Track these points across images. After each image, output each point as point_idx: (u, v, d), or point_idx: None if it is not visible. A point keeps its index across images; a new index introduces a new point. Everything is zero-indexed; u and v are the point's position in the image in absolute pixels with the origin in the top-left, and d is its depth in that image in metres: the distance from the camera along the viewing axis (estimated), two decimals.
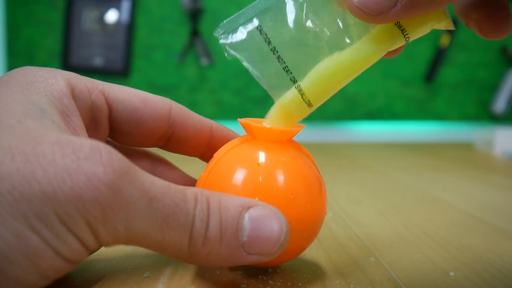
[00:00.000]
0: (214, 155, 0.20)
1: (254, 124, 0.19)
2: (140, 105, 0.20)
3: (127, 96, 0.20)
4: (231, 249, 0.15)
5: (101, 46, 1.00)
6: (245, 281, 0.19)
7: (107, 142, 0.21)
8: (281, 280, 0.19)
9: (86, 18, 1.00)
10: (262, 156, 0.18)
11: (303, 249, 0.20)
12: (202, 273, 0.20)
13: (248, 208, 0.16)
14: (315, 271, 0.21)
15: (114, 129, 0.20)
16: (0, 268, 0.12)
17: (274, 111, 0.19)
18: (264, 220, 0.16)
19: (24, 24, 1.00)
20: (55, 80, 0.17)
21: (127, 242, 0.15)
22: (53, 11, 1.00)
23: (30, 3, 1.00)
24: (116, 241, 0.14)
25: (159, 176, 0.22)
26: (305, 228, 0.18)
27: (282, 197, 0.17)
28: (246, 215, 0.16)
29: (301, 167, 0.19)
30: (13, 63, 0.99)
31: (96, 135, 0.20)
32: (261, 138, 0.19)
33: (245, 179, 0.18)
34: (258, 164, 0.18)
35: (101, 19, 1.01)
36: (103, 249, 0.19)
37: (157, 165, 0.23)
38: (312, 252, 0.23)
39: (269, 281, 0.19)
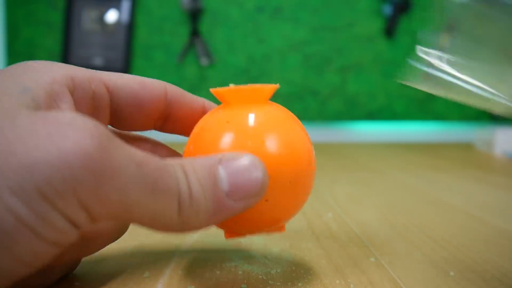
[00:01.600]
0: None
1: (223, 88, 0.19)
2: (138, 89, 0.20)
3: (125, 81, 0.20)
4: (217, 202, 0.15)
5: (101, 46, 1.01)
6: (245, 281, 0.19)
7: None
8: (281, 280, 0.19)
9: (86, 18, 1.00)
10: (231, 115, 0.18)
11: (291, 208, 0.19)
12: (202, 273, 0.20)
13: (220, 160, 0.16)
14: (315, 271, 0.21)
15: (115, 115, 0.20)
16: None
17: None
18: (237, 165, 0.16)
19: (24, 24, 1.00)
20: (51, 70, 0.17)
21: (120, 214, 0.14)
22: (53, 11, 1.00)
23: (30, 3, 1.00)
24: (109, 214, 0.13)
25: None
26: (285, 180, 0.17)
27: (254, 147, 0.17)
28: (220, 167, 0.16)
29: (273, 119, 0.18)
30: (13, 63, 0.99)
31: None
32: (234, 102, 0.19)
33: (218, 138, 0.18)
34: (228, 122, 0.18)
35: (101, 19, 1.01)
36: (103, 249, 0.19)
37: (157, 149, 0.23)
38: (312, 252, 0.23)
39: (269, 281, 0.19)
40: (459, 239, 0.26)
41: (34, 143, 0.12)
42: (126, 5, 1.00)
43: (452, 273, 0.21)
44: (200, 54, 1.00)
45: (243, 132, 0.18)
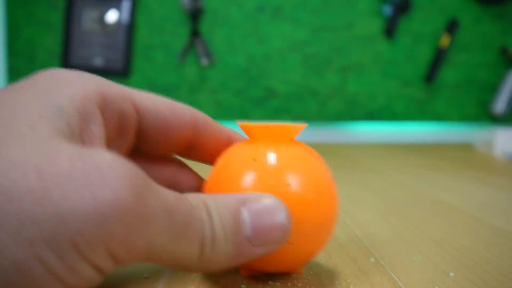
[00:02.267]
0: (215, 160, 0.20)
1: (251, 124, 0.19)
2: (168, 114, 0.19)
3: (155, 104, 0.19)
4: (238, 246, 0.15)
5: (101, 46, 1.01)
6: (245, 281, 0.19)
7: (132, 151, 0.21)
8: (281, 281, 0.19)
9: (86, 18, 1.00)
10: (258, 152, 0.18)
11: (313, 251, 0.19)
12: (202, 273, 0.20)
13: (244, 201, 0.16)
14: (315, 272, 0.21)
15: (140, 137, 0.20)
16: None
17: None
18: (262, 209, 0.16)
19: (24, 24, 1.00)
20: (84, 86, 0.16)
21: (144, 258, 0.14)
22: (53, 11, 1.00)
23: (30, 3, 1.00)
24: (134, 260, 0.13)
25: (182, 182, 0.22)
26: (310, 224, 0.17)
27: (279, 189, 0.17)
28: (244, 209, 0.15)
29: (300, 160, 0.18)
30: (13, 63, 0.99)
31: (122, 144, 0.19)
32: (260, 138, 0.19)
33: (243, 175, 0.17)
34: (254, 159, 0.18)
35: (101, 19, 1.01)
36: None
37: (181, 171, 0.22)
38: None
39: (269, 281, 0.19)
40: (459, 239, 0.26)
41: (72, 189, 0.11)
42: (126, 5, 1.00)
43: (452, 274, 0.21)
44: (200, 54, 1.00)
45: (268, 172, 0.17)
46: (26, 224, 0.11)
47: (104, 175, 0.12)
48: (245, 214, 0.15)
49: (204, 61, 1.00)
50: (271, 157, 0.18)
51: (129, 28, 1.00)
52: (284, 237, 0.16)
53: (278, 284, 0.19)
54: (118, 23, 1.01)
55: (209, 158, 0.22)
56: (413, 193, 0.41)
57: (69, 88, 0.15)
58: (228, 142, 0.22)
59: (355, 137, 1.08)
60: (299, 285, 0.19)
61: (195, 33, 1.00)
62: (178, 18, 1.02)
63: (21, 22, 1.00)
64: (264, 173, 0.17)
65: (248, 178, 0.17)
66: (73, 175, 0.12)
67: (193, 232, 0.14)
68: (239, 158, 0.18)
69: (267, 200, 0.16)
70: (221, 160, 0.19)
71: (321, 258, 0.23)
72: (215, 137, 0.21)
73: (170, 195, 0.14)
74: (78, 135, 0.15)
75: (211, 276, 0.20)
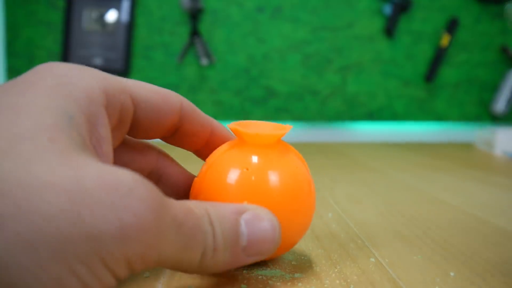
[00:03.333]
0: (206, 160, 0.22)
1: (242, 129, 0.20)
2: (160, 101, 0.20)
3: (149, 93, 0.20)
4: (234, 255, 0.17)
5: (101, 46, 1.00)
6: (245, 281, 0.19)
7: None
8: (281, 280, 0.19)
9: (86, 18, 1.00)
10: (249, 161, 0.20)
11: (295, 243, 0.22)
12: None
13: (242, 213, 0.17)
14: (315, 271, 0.21)
15: (133, 125, 0.20)
16: None
17: None
18: (258, 223, 0.17)
19: (24, 24, 1.00)
20: (87, 83, 0.16)
21: (152, 266, 0.15)
22: (53, 11, 1.00)
23: (30, 3, 1.00)
24: (146, 268, 0.15)
25: (164, 170, 0.23)
26: (295, 225, 0.20)
27: (270, 198, 0.19)
28: (242, 221, 0.17)
29: (288, 168, 0.20)
30: (13, 63, 0.99)
31: (119, 134, 0.20)
32: (250, 143, 0.21)
33: (235, 183, 0.19)
34: (247, 169, 0.19)
35: (101, 19, 1.01)
36: None
37: (162, 160, 0.24)
38: (312, 252, 0.23)
39: (269, 281, 0.19)
40: (459, 239, 0.26)
41: (99, 211, 0.13)
42: (126, 5, 1.00)
43: (452, 273, 0.21)
44: (200, 54, 1.00)
45: (261, 184, 0.19)
46: (62, 243, 0.12)
47: (126, 200, 0.13)
48: (243, 226, 0.17)
49: (204, 61, 1.00)
50: (258, 162, 0.20)
51: (129, 28, 1.00)
52: (274, 249, 0.18)
53: (278, 284, 0.19)
54: (117, 23, 1.01)
55: (191, 145, 0.23)
56: (414, 192, 0.41)
57: (73, 86, 0.16)
58: (210, 131, 0.23)
59: (355, 136, 1.08)
60: (299, 284, 0.19)
61: (195, 33, 1.00)
62: (178, 18, 1.02)
63: (20, 22, 1.00)
64: (254, 183, 0.19)
65: (240, 186, 0.19)
66: (99, 197, 0.13)
67: (197, 243, 0.15)
68: (231, 165, 0.20)
69: (264, 215, 0.18)
70: (213, 163, 0.21)
71: (321, 257, 0.23)
72: (198, 124, 0.22)
73: (179, 209, 0.15)
74: (89, 141, 0.16)
75: (211, 276, 0.20)
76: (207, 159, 0.22)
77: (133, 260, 0.14)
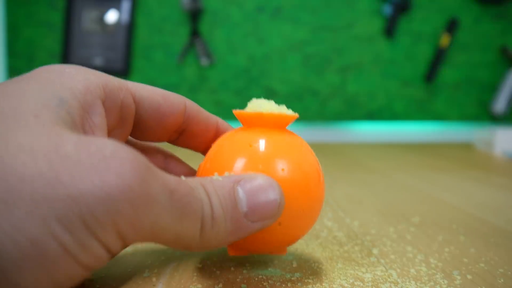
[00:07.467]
0: (211, 145, 0.21)
1: (246, 111, 0.20)
2: (161, 101, 0.20)
3: (150, 93, 0.20)
4: (236, 222, 0.16)
5: (101, 46, 1.01)
6: (245, 281, 0.19)
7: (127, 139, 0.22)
8: (281, 280, 0.19)
9: (86, 18, 1.00)
10: (252, 138, 0.19)
11: (299, 233, 0.20)
12: (202, 273, 0.20)
13: (238, 181, 0.17)
14: (315, 271, 0.21)
15: (136, 126, 0.21)
16: (8, 277, 0.12)
17: None
18: (256, 187, 0.17)
19: (24, 24, 1.00)
20: (85, 78, 0.17)
21: (149, 238, 0.14)
22: (53, 11, 1.00)
23: (30, 3, 1.00)
24: (139, 239, 0.14)
25: (172, 171, 0.23)
26: (301, 205, 0.18)
27: (270, 172, 0.18)
28: (239, 188, 0.16)
29: (290, 147, 0.19)
30: (13, 63, 0.99)
31: (122, 133, 0.20)
32: (254, 126, 0.20)
33: (239, 160, 0.18)
34: (250, 145, 0.19)
35: (101, 19, 1.01)
36: None
37: (169, 161, 0.24)
38: (312, 252, 0.23)
39: (269, 281, 0.19)
40: (459, 239, 0.26)
41: (79, 174, 0.12)
42: (126, 5, 1.00)
43: (452, 273, 0.21)
44: (200, 54, 1.00)
45: (261, 156, 0.18)
46: (39, 203, 0.12)
47: (107, 161, 0.13)
48: (241, 192, 0.16)
49: (204, 61, 1.00)
50: (265, 143, 0.19)
51: (129, 28, 1.00)
52: (279, 212, 0.17)
53: (277, 284, 0.19)
54: (118, 23, 1.01)
55: (197, 145, 0.23)
56: (413, 192, 0.41)
57: (70, 80, 0.16)
58: (216, 129, 0.23)
59: (355, 137, 1.08)
60: (299, 284, 0.19)
61: (195, 33, 1.00)
62: (178, 18, 1.02)
63: (21, 22, 1.00)
64: (257, 157, 0.18)
65: (243, 162, 0.18)
66: (79, 160, 0.12)
67: (194, 211, 0.15)
68: (235, 143, 0.19)
69: (260, 179, 0.17)
70: (216, 145, 0.20)
71: (321, 257, 0.23)
72: (203, 124, 0.22)
73: (170, 177, 0.15)
74: (80, 125, 0.15)
75: (212, 275, 0.20)
76: (213, 144, 0.21)
77: (123, 226, 0.13)
